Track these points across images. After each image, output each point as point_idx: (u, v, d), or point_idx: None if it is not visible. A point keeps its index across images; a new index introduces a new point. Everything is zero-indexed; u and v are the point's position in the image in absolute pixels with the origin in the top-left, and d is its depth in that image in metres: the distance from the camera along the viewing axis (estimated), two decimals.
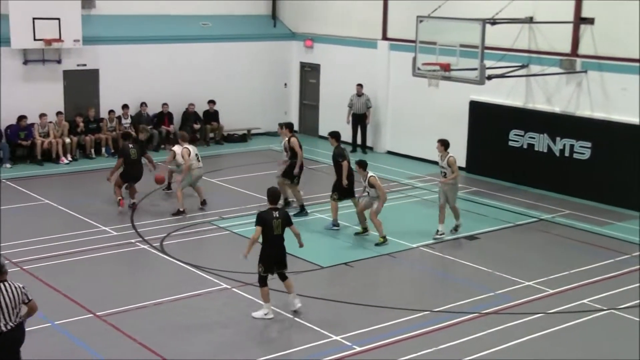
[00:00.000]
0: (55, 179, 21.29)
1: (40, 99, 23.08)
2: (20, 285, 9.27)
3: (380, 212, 15.91)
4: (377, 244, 15.92)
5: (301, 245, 12.66)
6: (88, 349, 11.21)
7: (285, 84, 28.08)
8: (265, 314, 12.29)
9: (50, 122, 23.02)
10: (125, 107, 24.35)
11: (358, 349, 11.38)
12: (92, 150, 23.52)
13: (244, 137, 26.76)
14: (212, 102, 26.02)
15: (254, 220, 12.14)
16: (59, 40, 22.80)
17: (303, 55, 27.71)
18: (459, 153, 22.34)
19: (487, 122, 21.98)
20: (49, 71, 23.39)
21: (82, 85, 24.08)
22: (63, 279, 13.59)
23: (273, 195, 12.21)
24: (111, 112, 24.04)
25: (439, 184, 16.79)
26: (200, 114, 25.85)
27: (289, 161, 17.77)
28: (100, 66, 24.26)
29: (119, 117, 24.32)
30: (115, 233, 16.38)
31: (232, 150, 25.30)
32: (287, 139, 17.99)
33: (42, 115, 22.78)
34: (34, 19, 22.31)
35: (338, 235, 16.63)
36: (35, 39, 22.46)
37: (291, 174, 17.73)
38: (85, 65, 23.98)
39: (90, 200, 18.65)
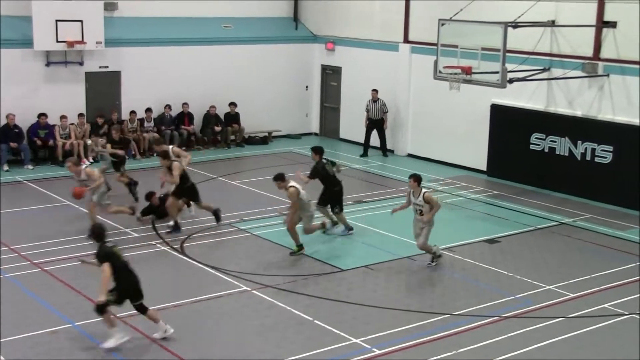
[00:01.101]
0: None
1: (62, 101, 23.25)
2: None
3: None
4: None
5: None
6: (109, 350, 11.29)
7: (307, 87, 28.10)
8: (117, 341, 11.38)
9: (72, 123, 23.17)
10: (148, 110, 24.47)
11: (377, 352, 11.36)
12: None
13: (264, 140, 26.80)
14: (233, 104, 26.08)
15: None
16: (82, 42, 22.95)
17: (324, 57, 27.72)
18: (480, 156, 22.39)
19: (508, 125, 21.87)
20: (71, 73, 23.55)
21: (103, 87, 24.24)
22: (83, 280, 13.66)
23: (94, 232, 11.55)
24: (132, 113, 24.17)
25: (416, 221, 15.02)
26: (222, 116, 25.92)
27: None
28: (122, 68, 24.40)
29: (140, 120, 24.45)
30: (136, 235, 16.45)
31: (252, 153, 25.34)
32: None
33: (62, 117, 22.94)
34: (56, 20, 22.47)
35: (356, 239, 16.60)
36: (57, 41, 22.64)
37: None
38: (107, 67, 24.13)
39: (112, 202, 18.66)
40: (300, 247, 15.46)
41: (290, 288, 12.43)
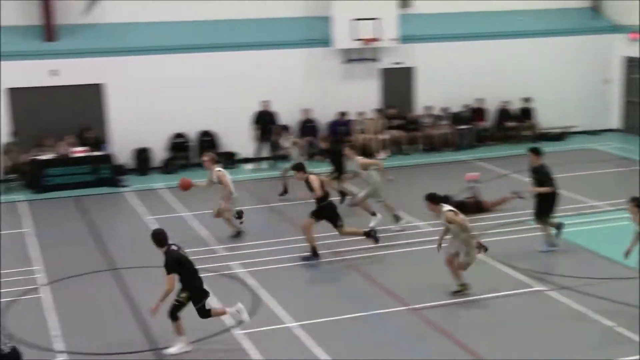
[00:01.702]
0: None
1: (358, 97, 23.90)
2: None
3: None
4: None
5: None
6: (404, 342, 11.31)
7: (606, 80, 26.54)
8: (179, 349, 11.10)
9: (369, 119, 23.79)
10: (442, 107, 24.59)
11: None
12: (407, 148, 24.05)
13: (560, 136, 25.70)
14: (526, 99, 25.33)
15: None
16: (377, 39, 23.45)
17: (626, 48, 26.00)
18: None
19: None
20: (366, 69, 24.14)
21: (397, 83, 24.59)
22: (377, 270, 13.84)
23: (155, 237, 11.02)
24: (427, 108, 24.33)
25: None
26: (515, 111, 25.29)
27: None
28: (417, 64, 24.59)
29: (437, 116, 24.55)
30: (430, 229, 16.39)
31: (547, 149, 24.29)
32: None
33: (360, 113, 23.62)
34: (354, 19, 23.15)
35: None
36: (355, 39, 23.30)
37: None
38: (401, 63, 24.44)
39: (405, 196, 18.81)
40: (463, 286, 12.96)
41: (586, 291, 11.71)
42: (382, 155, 23.20)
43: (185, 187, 15.91)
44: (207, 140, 22.91)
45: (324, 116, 23.68)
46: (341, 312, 12.25)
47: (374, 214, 16.51)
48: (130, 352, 11.15)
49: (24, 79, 21.16)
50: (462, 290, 12.76)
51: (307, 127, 23.42)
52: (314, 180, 14.53)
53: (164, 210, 18.14)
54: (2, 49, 20.80)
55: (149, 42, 22.26)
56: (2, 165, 20.67)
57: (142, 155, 22.23)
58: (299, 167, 14.94)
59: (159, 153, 22.50)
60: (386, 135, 23.68)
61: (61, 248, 15.71)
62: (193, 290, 10.96)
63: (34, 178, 20.38)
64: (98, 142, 21.31)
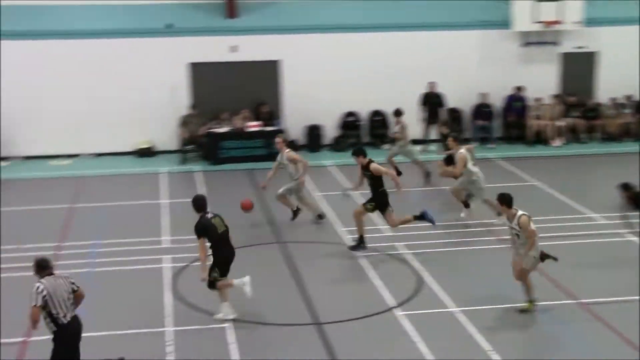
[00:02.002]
0: (545, 161, 21.19)
1: (536, 81, 23.11)
2: (67, 276, 9.35)
3: None
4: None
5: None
6: (569, 336, 10.92)
7: None
8: (227, 317, 11.44)
9: (546, 104, 22.98)
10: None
11: None
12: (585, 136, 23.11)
13: None
14: None
15: None
16: (560, 22, 22.55)
17: None
18: None
19: None
20: (545, 53, 23.32)
21: (578, 68, 23.58)
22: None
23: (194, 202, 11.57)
24: (612, 98, 23.24)
25: None
26: None
27: None
28: (600, 49, 23.47)
29: (621, 104, 23.40)
30: (603, 222, 15.66)
31: None
32: None
33: (536, 98, 22.86)
34: (537, 0, 22.35)
35: None
36: (535, 21, 22.52)
37: None
38: (584, 47, 23.40)
39: (581, 186, 18.07)
40: (532, 301, 11.76)
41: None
42: (557, 142, 22.39)
43: (247, 207, 15.21)
44: (378, 120, 22.92)
45: (500, 101, 23.10)
46: (506, 301, 11.93)
47: (467, 205, 16.03)
48: (296, 324, 11.36)
49: (205, 54, 21.92)
50: (529, 308, 11.60)
51: (483, 111, 22.90)
52: (375, 168, 14.01)
53: (332, 187, 18.29)
54: (187, 25, 21.65)
55: (326, 20, 22.47)
56: (180, 137, 21.54)
57: (314, 132, 22.52)
58: (359, 152, 14.32)
59: (330, 131, 22.71)
60: (563, 122, 22.80)
61: (231, 218, 16.16)
62: (215, 259, 11.36)
63: (210, 150, 21.11)
64: (272, 117, 21.80)
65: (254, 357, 10.49)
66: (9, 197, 18.27)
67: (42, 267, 9.11)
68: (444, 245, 14.61)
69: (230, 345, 10.74)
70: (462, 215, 15.94)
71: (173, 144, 21.80)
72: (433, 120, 22.25)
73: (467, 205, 16.03)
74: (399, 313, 11.62)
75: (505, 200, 11.40)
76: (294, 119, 22.26)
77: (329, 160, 21.22)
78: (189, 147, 21.43)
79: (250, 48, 22.02)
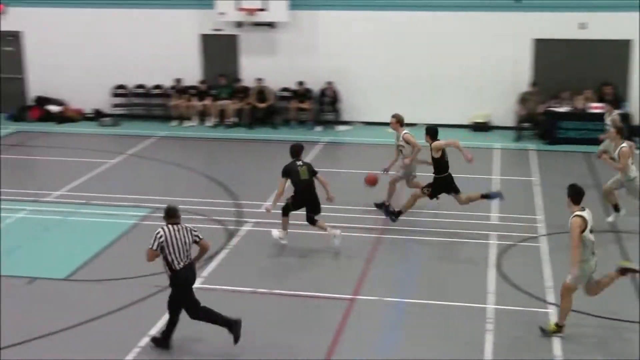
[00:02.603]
0: None
1: None
2: (191, 227, 9.85)
3: None
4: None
5: (330, 198, 13.23)
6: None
7: None
8: (281, 238, 13.21)
9: None
10: None
11: None
12: None
13: None
14: None
15: None
16: None
17: None
18: None
19: None
20: None
21: None
22: None
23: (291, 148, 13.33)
24: None
25: None
26: None
27: None
28: None
29: None
30: None
31: None
32: None
33: None
34: None
35: None
36: None
37: None
38: None
39: None
40: (559, 327, 10.38)
41: None
42: None
43: (373, 182, 14.89)
44: None
45: None
46: None
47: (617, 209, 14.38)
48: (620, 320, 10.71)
49: (552, 31, 21.21)
50: (555, 330, 10.34)
51: None
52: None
53: None
54: (536, 0, 21.13)
55: None
56: (517, 113, 21.13)
57: None
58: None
59: None
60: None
61: (563, 202, 15.57)
62: (293, 198, 13.16)
63: (547, 129, 20.52)
64: (617, 99, 20.55)
65: (580, 355, 9.99)
66: (348, 159, 19.17)
67: (169, 216, 9.83)
68: None
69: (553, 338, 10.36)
70: (610, 219, 14.40)
71: (509, 120, 21.45)
72: None
73: (617, 208, 14.43)
74: None
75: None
76: None
77: None
78: (526, 124, 20.98)
79: (600, 26, 20.91)
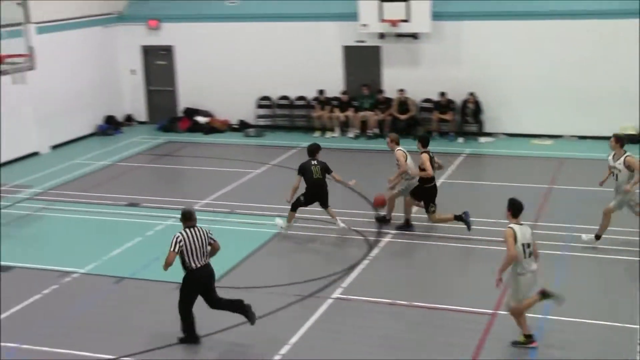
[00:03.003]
0: None
1: None
2: (207, 229, 10.55)
3: None
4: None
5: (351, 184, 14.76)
6: None
7: None
8: (282, 227, 14.62)
9: None
10: None
11: None
12: None
13: None
14: None
15: None
16: None
17: None
18: None
19: None
20: None
21: None
22: None
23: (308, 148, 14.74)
24: None
25: None
26: None
27: None
28: None
29: None
30: None
31: None
32: None
33: None
34: None
35: None
36: None
37: None
38: None
39: None
40: (528, 337, 10.48)
41: None
42: None
43: (381, 202, 15.04)
44: None
45: None
46: None
47: None
48: None
49: None
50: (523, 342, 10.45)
51: None
52: (424, 158, 14.36)
53: None
54: None
55: None
56: None
57: None
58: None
59: None
60: None
61: None
62: (305, 193, 14.44)
63: None
64: None
65: None
66: (490, 171, 18.87)
67: (186, 219, 10.43)
68: None
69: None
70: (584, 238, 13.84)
71: None
72: None
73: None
74: None
75: None
76: None
77: None
78: None
79: None
